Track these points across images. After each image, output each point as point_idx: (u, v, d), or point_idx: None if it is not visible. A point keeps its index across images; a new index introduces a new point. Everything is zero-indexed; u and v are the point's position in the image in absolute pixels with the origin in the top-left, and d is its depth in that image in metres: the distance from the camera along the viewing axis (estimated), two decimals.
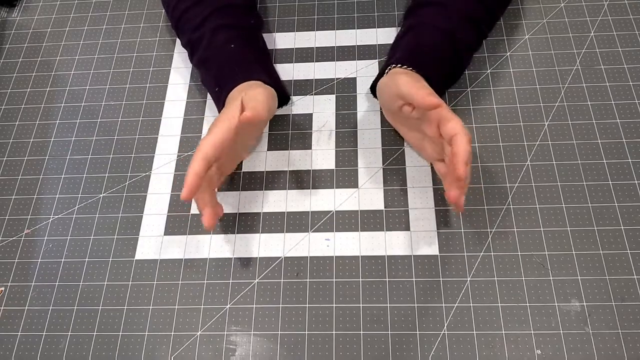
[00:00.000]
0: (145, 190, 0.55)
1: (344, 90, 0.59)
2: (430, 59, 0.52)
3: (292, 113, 0.58)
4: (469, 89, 0.58)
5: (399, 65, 0.51)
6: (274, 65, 0.61)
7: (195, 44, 0.57)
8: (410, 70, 0.51)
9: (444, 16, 0.54)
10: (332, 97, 0.59)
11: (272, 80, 0.55)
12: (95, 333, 0.48)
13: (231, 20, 0.57)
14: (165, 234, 0.52)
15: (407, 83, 0.47)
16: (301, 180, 0.54)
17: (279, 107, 0.58)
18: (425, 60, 0.52)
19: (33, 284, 0.51)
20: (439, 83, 0.52)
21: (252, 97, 0.48)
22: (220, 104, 0.54)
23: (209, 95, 0.60)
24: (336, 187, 0.54)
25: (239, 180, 0.55)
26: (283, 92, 0.57)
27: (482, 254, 0.49)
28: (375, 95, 0.57)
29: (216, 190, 0.53)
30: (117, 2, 0.69)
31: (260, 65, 0.56)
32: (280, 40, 0.64)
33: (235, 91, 0.51)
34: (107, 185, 0.55)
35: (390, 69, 0.53)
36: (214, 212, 0.47)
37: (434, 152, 0.50)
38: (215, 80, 0.54)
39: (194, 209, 0.53)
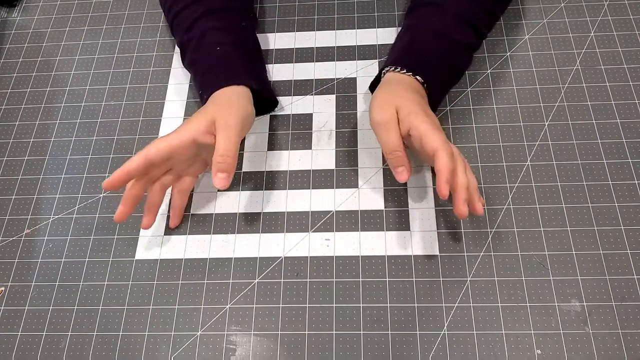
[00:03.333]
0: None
1: (344, 90, 0.59)
2: (424, 61, 0.52)
3: (292, 113, 0.58)
4: (469, 89, 0.58)
5: (393, 67, 0.52)
6: (274, 65, 0.61)
7: (185, 46, 0.57)
8: (404, 73, 0.51)
9: (440, 17, 0.54)
10: (332, 97, 0.59)
11: (260, 84, 0.55)
12: (95, 333, 0.48)
13: (220, 23, 0.57)
14: (165, 234, 0.52)
15: (372, 118, 0.49)
16: (301, 180, 0.54)
17: (267, 112, 0.58)
18: (419, 62, 0.52)
19: (33, 284, 0.51)
20: (435, 84, 0.52)
21: (225, 125, 0.48)
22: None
23: None
24: (336, 187, 0.53)
25: (240, 180, 0.55)
26: (271, 97, 0.57)
27: (482, 254, 0.49)
28: None
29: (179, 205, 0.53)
30: (117, 2, 0.69)
31: (248, 68, 0.55)
32: (280, 40, 0.64)
33: (217, 97, 0.51)
34: None
35: (385, 72, 0.53)
36: (153, 219, 0.51)
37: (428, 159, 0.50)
38: (199, 83, 0.55)
39: (194, 209, 0.53)
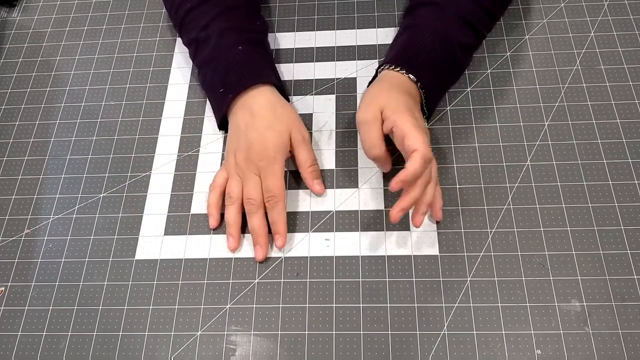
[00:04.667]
0: (145, 190, 0.55)
1: (344, 90, 0.59)
2: (421, 60, 0.52)
3: None
4: (469, 89, 0.58)
5: (388, 65, 0.52)
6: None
7: (201, 44, 0.57)
8: (398, 71, 0.51)
9: (439, 16, 0.54)
10: (332, 97, 0.59)
11: (280, 83, 0.56)
12: (95, 333, 0.48)
13: (239, 22, 0.57)
14: (165, 234, 0.52)
15: (357, 117, 0.49)
16: (301, 180, 0.54)
17: None
18: (416, 61, 0.52)
19: (33, 284, 0.51)
20: (431, 83, 0.52)
21: (302, 139, 0.53)
22: (225, 105, 0.54)
23: None
24: (336, 187, 0.53)
25: None
26: (285, 95, 0.57)
27: (482, 254, 0.49)
28: None
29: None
30: (117, 2, 0.69)
31: (270, 68, 0.57)
32: (280, 40, 0.64)
33: (260, 103, 0.53)
34: (107, 185, 0.55)
35: (381, 70, 0.53)
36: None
37: None
38: (220, 81, 0.54)
39: (194, 209, 0.53)
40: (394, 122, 0.46)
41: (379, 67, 0.54)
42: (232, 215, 0.51)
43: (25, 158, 0.58)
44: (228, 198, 0.51)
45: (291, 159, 0.54)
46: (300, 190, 0.54)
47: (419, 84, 0.51)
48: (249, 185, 0.51)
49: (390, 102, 0.48)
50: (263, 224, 0.50)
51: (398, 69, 0.52)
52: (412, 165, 0.44)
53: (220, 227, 0.52)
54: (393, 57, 0.54)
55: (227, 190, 0.52)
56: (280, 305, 0.48)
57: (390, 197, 0.52)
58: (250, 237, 0.51)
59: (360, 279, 0.49)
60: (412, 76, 0.51)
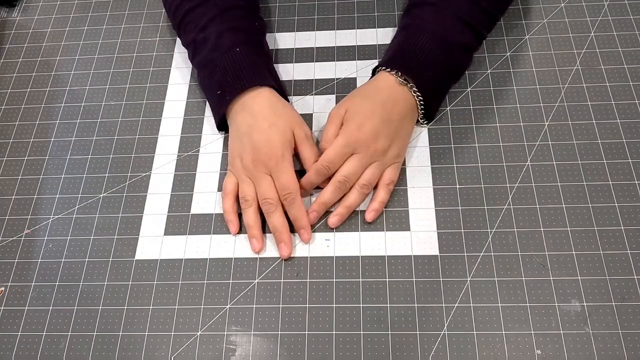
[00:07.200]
0: (145, 190, 0.55)
1: (344, 90, 0.59)
2: (418, 61, 0.53)
3: None
4: (469, 89, 0.58)
5: (386, 68, 0.53)
6: (275, 65, 0.61)
7: (199, 45, 0.57)
8: (396, 75, 0.52)
9: (437, 17, 0.54)
10: (332, 97, 0.59)
11: (278, 84, 0.56)
12: (95, 333, 0.48)
13: (237, 23, 0.57)
14: (165, 234, 0.52)
15: (325, 127, 0.53)
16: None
17: None
18: (413, 62, 0.53)
19: (33, 284, 0.51)
20: (429, 84, 0.52)
21: (305, 136, 0.53)
22: (222, 107, 0.54)
23: None
24: None
25: None
26: (285, 97, 0.57)
27: (482, 254, 0.49)
28: None
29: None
30: (117, 2, 0.69)
31: (268, 69, 0.57)
32: (280, 40, 0.64)
33: (261, 104, 0.53)
34: (107, 185, 0.55)
35: (378, 71, 0.54)
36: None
37: None
38: (218, 83, 0.54)
39: (194, 209, 0.53)
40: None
41: (374, 69, 0.55)
42: (252, 217, 0.51)
43: (25, 158, 0.58)
44: (244, 202, 0.51)
45: (295, 156, 0.54)
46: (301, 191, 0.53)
47: (413, 88, 0.51)
48: (263, 186, 0.50)
49: (351, 109, 0.52)
50: (284, 221, 0.50)
51: (394, 72, 0.52)
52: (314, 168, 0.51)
53: (220, 228, 0.52)
54: (389, 58, 0.54)
55: (240, 195, 0.52)
56: (280, 305, 0.48)
57: (390, 197, 0.52)
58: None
59: (360, 279, 0.49)
60: (406, 79, 0.51)
